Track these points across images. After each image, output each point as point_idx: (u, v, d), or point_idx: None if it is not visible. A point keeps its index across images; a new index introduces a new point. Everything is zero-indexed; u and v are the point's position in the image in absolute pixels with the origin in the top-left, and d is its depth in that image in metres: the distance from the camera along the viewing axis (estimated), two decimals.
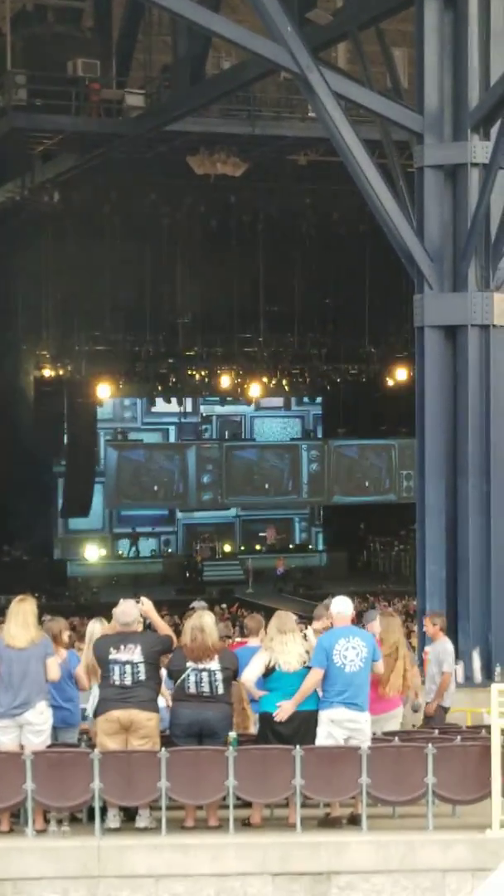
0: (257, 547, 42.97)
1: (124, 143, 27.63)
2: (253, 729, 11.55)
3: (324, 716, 10.85)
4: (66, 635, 11.62)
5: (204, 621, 10.96)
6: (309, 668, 10.83)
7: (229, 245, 37.28)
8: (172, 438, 42.73)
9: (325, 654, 10.76)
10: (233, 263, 37.46)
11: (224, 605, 32.17)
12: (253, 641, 12.01)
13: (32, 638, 10.66)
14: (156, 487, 40.90)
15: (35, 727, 10.64)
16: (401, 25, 23.51)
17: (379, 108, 16.91)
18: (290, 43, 16.30)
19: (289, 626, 10.96)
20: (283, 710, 10.77)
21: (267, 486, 42.19)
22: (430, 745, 10.73)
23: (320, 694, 10.90)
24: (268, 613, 12.37)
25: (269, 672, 10.88)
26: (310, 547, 44.50)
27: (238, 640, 13.88)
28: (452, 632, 16.08)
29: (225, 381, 40.36)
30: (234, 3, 26.29)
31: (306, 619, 12.74)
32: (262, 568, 41.10)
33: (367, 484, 42.78)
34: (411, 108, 16.55)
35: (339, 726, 10.79)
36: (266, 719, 10.93)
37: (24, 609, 10.77)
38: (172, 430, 43.06)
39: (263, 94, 27.44)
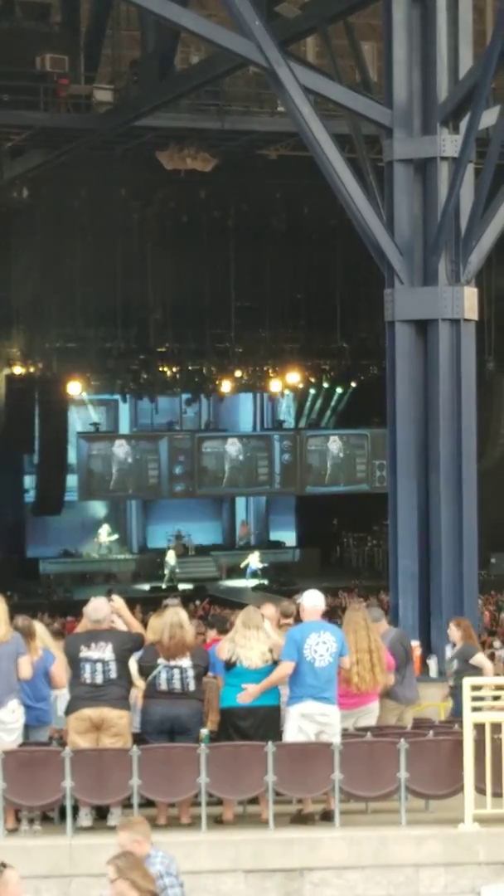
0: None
1: (93, 138, 27.52)
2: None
3: (293, 711, 10.81)
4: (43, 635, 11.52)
5: (182, 618, 10.91)
6: (273, 665, 10.79)
7: (200, 240, 37.19)
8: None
9: (296, 648, 10.73)
10: (203, 259, 37.38)
11: (198, 602, 32.14)
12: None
13: (2, 636, 10.58)
14: (128, 479, 40.78)
15: (6, 725, 10.57)
16: (370, 19, 23.54)
17: (348, 102, 16.92)
18: (258, 37, 16.29)
19: (254, 621, 10.92)
20: (248, 693, 10.71)
21: (239, 477, 42.13)
22: (402, 740, 10.71)
23: (284, 689, 10.87)
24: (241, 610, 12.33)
25: (231, 666, 10.84)
26: (282, 543, 44.50)
27: (214, 636, 13.80)
28: (425, 627, 16.13)
29: (196, 376, 40.27)
30: None
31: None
32: (236, 565, 41.08)
33: (339, 474, 42.77)
34: (380, 102, 16.57)
35: (309, 720, 10.76)
36: (227, 714, 10.89)
37: None
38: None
39: (233, 88, 27.37)
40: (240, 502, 45.21)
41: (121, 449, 40.80)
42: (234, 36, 16.75)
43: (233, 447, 42.22)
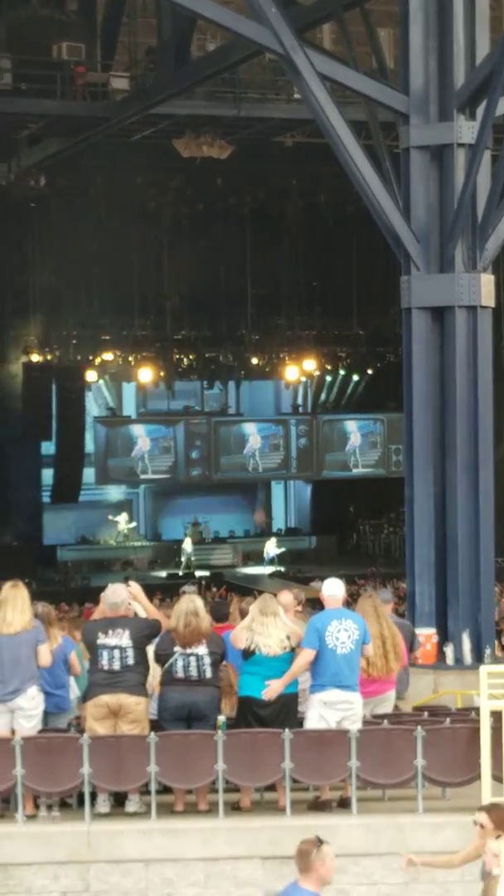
0: None
1: (110, 126, 27.51)
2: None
3: (315, 699, 10.82)
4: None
5: (197, 605, 10.94)
6: (290, 652, 10.81)
7: (216, 228, 37.20)
8: None
9: (317, 636, 10.74)
10: (220, 246, 37.39)
11: (214, 589, 32.18)
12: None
13: (24, 624, 10.64)
14: (144, 463, 40.84)
15: (26, 712, 10.63)
16: (386, 6, 23.47)
17: (364, 89, 16.86)
18: (274, 24, 16.24)
19: (271, 608, 10.92)
20: (272, 689, 10.74)
21: (255, 459, 42.15)
22: (419, 727, 10.73)
23: (302, 676, 10.88)
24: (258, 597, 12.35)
25: (250, 654, 10.86)
26: (299, 530, 44.53)
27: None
28: (441, 614, 16.13)
29: (213, 364, 40.27)
30: None
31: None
32: (253, 551, 41.11)
33: (355, 459, 42.78)
34: (397, 88, 16.51)
35: (331, 708, 10.77)
36: (246, 702, 10.91)
37: (16, 594, 10.75)
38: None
39: (249, 75, 27.32)
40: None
41: (137, 433, 40.87)
42: (251, 23, 16.72)
43: (249, 431, 42.24)
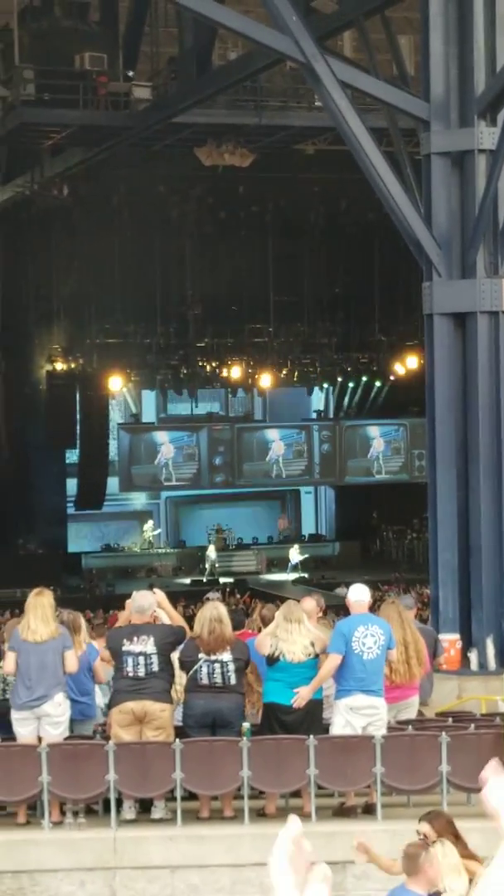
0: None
1: (132, 135, 27.61)
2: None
3: (341, 704, 10.85)
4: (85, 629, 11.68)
5: (221, 612, 10.97)
6: (315, 658, 10.84)
7: (238, 236, 37.27)
8: None
9: (343, 641, 10.76)
10: (242, 254, 37.46)
11: (238, 596, 32.23)
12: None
13: (51, 631, 10.69)
14: (167, 469, 40.94)
15: (53, 719, 10.68)
16: (406, 13, 23.50)
17: (385, 96, 16.90)
18: (295, 32, 16.30)
19: (296, 615, 10.95)
20: (301, 697, 10.77)
21: (278, 466, 42.20)
22: (443, 733, 10.74)
23: (328, 683, 10.91)
24: (282, 603, 12.37)
25: (274, 661, 10.89)
26: (322, 536, 44.53)
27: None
28: (465, 619, 16.12)
29: (235, 371, 40.36)
30: None
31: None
32: (276, 558, 41.13)
33: (379, 464, 42.78)
34: (417, 95, 16.53)
35: (357, 713, 10.79)
36: (271, 708, 10.94)
37: (41, 602, 10.81)
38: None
39: (270, 84, 27.38)
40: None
41: (160, 440, 40.98)
42: (272, 32, 16.78)
43: (272, 438, 42.30)
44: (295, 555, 40.44)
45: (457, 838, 7.88)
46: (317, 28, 17.52)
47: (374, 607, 13.18)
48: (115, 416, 41.71)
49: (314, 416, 43.99)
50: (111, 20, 27.88)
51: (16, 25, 26.72)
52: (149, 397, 42.02)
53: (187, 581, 38.53)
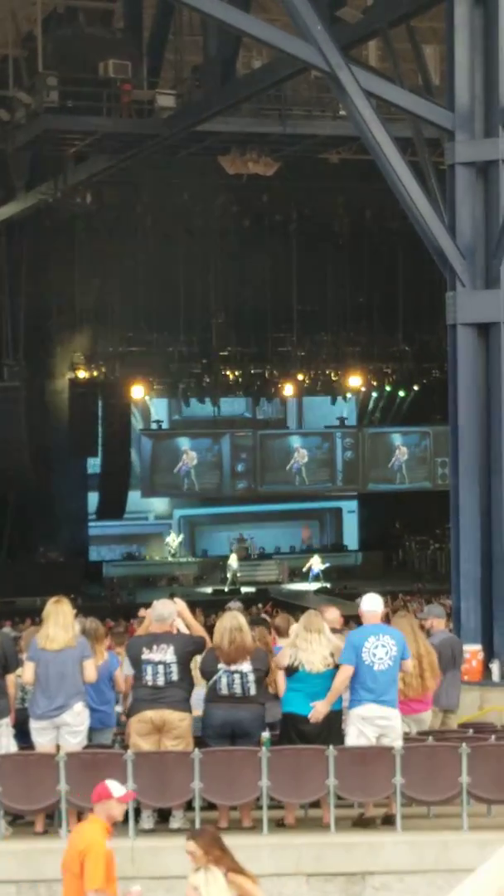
0: None
1: (156, 143, 27.63)
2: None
3: (354, 714, 10.81)
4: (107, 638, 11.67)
5: (241, 622, 10.94)
6: (335, 668, 10.79)
7: (262, 244, 37.28)
8: None
9: (354, 652, 10.73)
10: (265, 262, 37.46)
11: (260, 605, 32.14)
12: (281, 641, 11.98)
13: (69, 640, 10.67)
14: (189, 476, 40.93)
15: (72, 728, 10.66)
16: (431, 22, 23.46)
17: (409, 105, 16.87)
18: (320, 41, 16.29)
19: (315, 625, 10.91)
20: (318, 711, 10.73)
21: (301, 473, 42.15)
22: (463, 744, 10.67)
23: (345, 693, 10.86)
24: (303, 613, 12.31)
25: (293, 671, 10.85)
26: (345, 546, 44.45)
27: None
28: (487, 630, 16.04)
29: (259, 380, 40.34)
30: (265, 2, 26.28)
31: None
32: (298, 568, 41.07)
33: (401, 471, 42.69)
34: (442, 105, 16.49)
35: (370, 724, 10.75)
36: (290, 719, 10.90)
37: (61, 610, 10.78)
38: None
39: (294, 92, 27.37)
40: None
41: (182, 447, 40.97)
42: (296, 40, 16.77)
43: (295, 445, 42.25)
44: (316, 564, 40.36)
45: (223, 852, 7.77)
46: (341, 37, 17.51)
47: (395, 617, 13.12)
48: (138, 424, 41.74)
49: (337, 423, 43.95)
50: (136, 28, 27.90)
51: (40, 33, 26.79)
52: (160, 402, 42.01)
53: (209, 590, 38.50)
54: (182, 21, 27.49)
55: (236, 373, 40.12)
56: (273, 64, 23.08)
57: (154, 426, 41.75)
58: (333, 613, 12.41)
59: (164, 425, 42.21)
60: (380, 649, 10.76)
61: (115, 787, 8.27)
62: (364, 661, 10.71)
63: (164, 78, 27.81)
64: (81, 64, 26.51)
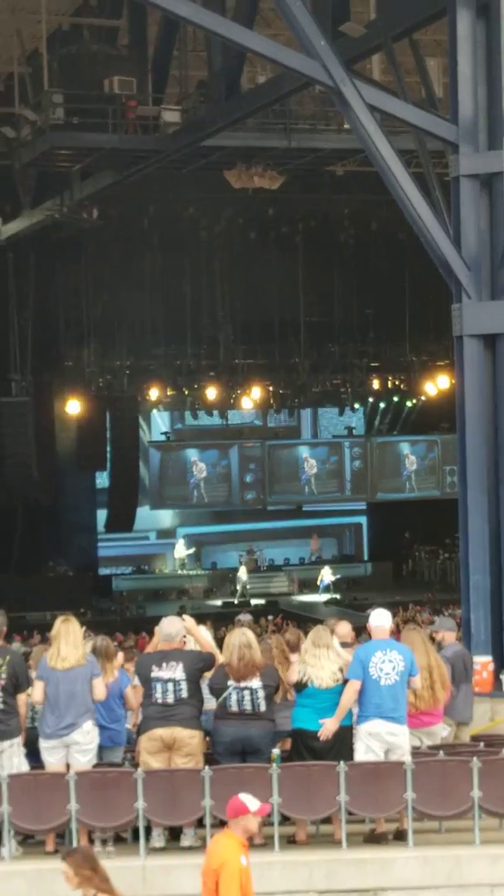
0: None
1: (162, 158, 27.68)
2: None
3: (362, 730, 10.80)
4: (120, 656, 11.67)
5: (250, 638, 10.94)
6: (344, 683, 10.78)
7: (268, 257, 37.34)
8: None
9: (361, 667, 10.72)
10: (272, 275, 37.51)
11: (270, 617, 32.14)
12: (292, 657, 11.97)
13: (79, 658, 10.68)
14: (198, 487, 40.94)
15: (81, 746, 10.66)
16: (435, 35, 23.48)
17: (413, 119, 16.89)
18: (323, 57, 16.32)
19: (324, 640, 10.91)
20: (328, 729, 10.73)
21: (310, 484, 42.15)
22: (475, 758, 10.66)
23: (355, 709, 10.86)
24: (314, 624, 12.32)
25: (302, 687, 10.85)
26: (354, 556, 44.42)
27: None
28: (497, 641, 16.02)
29: (267, 392, 40.36)
30: (269, 17, 26.29)
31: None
32: (308, 579, 41.05)
33: (410, 480, 42.68)
34: (446, 118, 16.51)
35: (377, 739, 10.74)
36: (299, 735, 10.89)
37: (71, 629, 10.80)
38: None
39: (299, 106, 27.39)
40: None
41: (191, 458, 40.99)
42: (300, 56, 16.80)
43: (304, 456, 42.26)
44: (327, 575, 40.33)
45: (94, 872, 7.73)
46: (345, 52, 17.53)
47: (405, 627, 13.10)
48: (146, 437, 41.78)
49: (345, 432, 43.97)
50: (140, 44, 27.93)
51: (45, 50, 26.84)
52: (166, 414, 42.01)
53: (219, 603, 38.49)
54: (186, 37, 27.53)
55: (244, 385, 40.13)
56: (277, 79, 23.12)
57: (162, 437, 41.77)
58: (345, 628, 12.41)
59: (171, 436, 42.25)
60: (386, 664, 10.76)
61: (251, 801, 8.31)
62: (371, 675, 10.71)
63: (169, 94, 27.84)
64: (87, 81, 26.53)
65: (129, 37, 28.13)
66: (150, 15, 26.52)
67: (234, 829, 8.28)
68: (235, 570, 40.62)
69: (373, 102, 16.47)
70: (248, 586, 39.57)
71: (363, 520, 45.20)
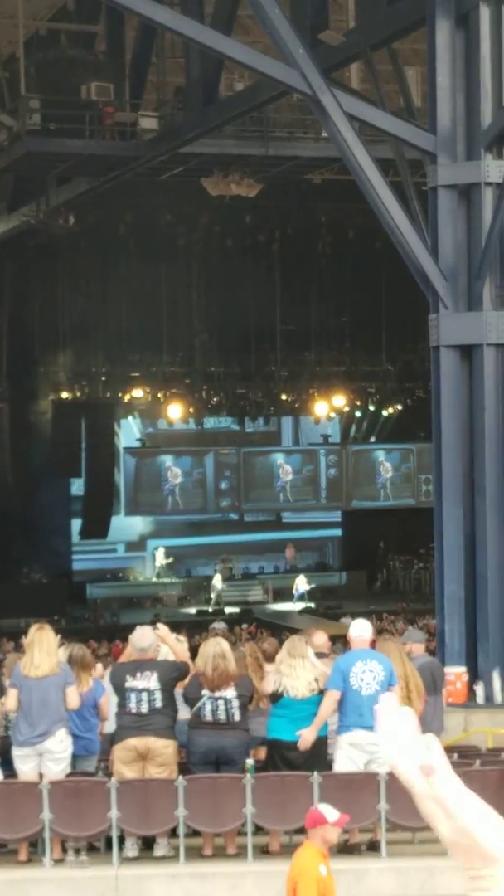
0: None
1: (139, 165, 27.65)
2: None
3: (342, 740, 10.77)
4: (99, 666, 11.61)
5: (224, 648, 10.91)
6: (319, 694, 10.75)
7: (245, 264, 37.36)
8: None
9: (341, 677, 10.69)
10: (248, 282, 37.53)
11: (244, 626, 32.08)
12: (268, 666, 11.93)
13: (53, 666, 10.63)
14: (173, 494, 40.86)
15: (54, 755, 10.60)
16: (414, 44, 23.54)
17: (392, 128, 16.91)
18: (301, 65, 16.32)
19: (299, 650, 10.88)
20: (305, 740, 10.69)
21: (285, 491, 42.12)
22: None
23: (331, 718, 10.83)
24: (288, 633, 12.29)
25: (278, 698, 10.81)
26: (329, 566, 44.42)
27: None
28: (472, 652, 16.03)
29: (242, 399, 40.34)
30: (247, 25, 26.31)
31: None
32: (283, 588, 41.00)
33: (385, 488, 42.71)
34: (424, 127, 16.54)
35: (359, 750, 10.71)
36: (274, 746, 10.85)
37: (45, 637, 10.75)
38: None
39: (277, 114, 27.43)
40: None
41: (166, 464, 40.90)
42: (278, 64, 16.80)
43: (279, 463, 42.24)
44: (301, 584, 40.29)
45: None
46: (324, 60, 17.55)
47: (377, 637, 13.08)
48: (120, 443, 41.71)
49: (320, 440, 43.99)
50: (118, 50, 27.92)
51: (22, 55, 26.78)
52: (138, 421, 41.92)
53: (193, 611, 38.40)
54: (164, 43, 27.52)
55: (220, 393, 40.13)
56: (255, 86, 23.13)
57: (136, 443, 41.70)
58: (321, 638, 12.37)
59: (145, 441, 42.13)
60: (367, 674, 10.75)
61: (329, 812, 8.33)
62: (352, 686, 10.69)
63: (146, 100, 27.82)
64: (64, 86, 26.49)
65: (106, 43, 28.11)
66: (128, 21, 26.51)
67: (313, 840, 8.38)
68: (210, 578, 40.55)
69: (351, 111, 16.49)
70: (222, 595, 39.51)
71: (339, 532, 45.16)
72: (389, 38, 18.92)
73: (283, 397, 40.83)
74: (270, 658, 12.05)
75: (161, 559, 41.77)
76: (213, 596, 39.45)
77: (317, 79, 16.31)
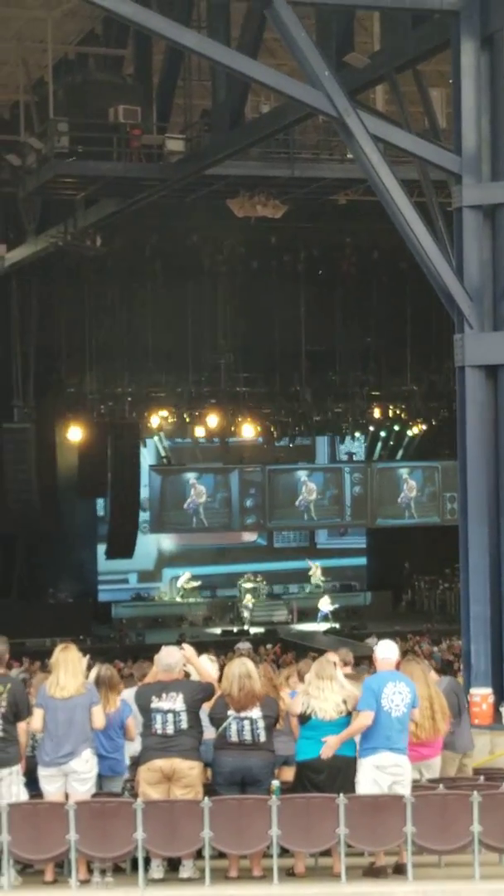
0: None
1: (165, 187, 27.77)
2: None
3: (367, 763, 10.73)
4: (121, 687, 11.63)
5: (250, 668, 10.90)
6: (347, 716, 10.73)
7: (270, 285, 37.44)
8: None
9: (374, 698, 10.67)
10: (274, 303, 37.62)
11: (269, 646, 32.07)
12: (298, 686, 11.93)
13: (78, 687, 10.65)
14: (198, 513, 40.89)
15: (80, 775, 10.61)
16: (438, 66, 23.59)
17: (417, 149, 16.96)
18: (327, 87, 16.38)
19: (328, 672, 10.86)
20: (329, 747, 10.66)
21: (309, 511, 42.10)
22: (475, 792, 10.60)
23: (357, 738, 10.81)
24: (313, 653, 12.28)
25: (306, 720, 10.80)
26: (353, 586, 44.36)
27: None
28: (498, 673, 15.98)
29: (267, 420, 40.38)
30: (273, 48, 26.40)
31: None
32: (307, 608, 40.96)
33: (410, 507, 42.64)
34: (449, 148, 16.58)
35: (384, 772, 10.68)
36: (302, 768, 10.83)
37: (71, 658, 10.75)
38: None
39: (302, 136, 27.50)
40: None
41: (191, 481, 40.95)
42: (304, 86, 16.87)
43: (303, 481, 42.22)
44: (325, 605, 40.24)
45: None
46: (349, 82, 17.62)
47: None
48: (146, 462, 41.82)
49: (345, 458, 43.97)
50: (145, 74, 28.05)
51: (51, 79, 26.95)
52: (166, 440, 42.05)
53: (218, 631, 38.41)
54: (191, 67, 27.64)
55: (245, 413, 40.16)
56: (281, 108, 23.22)
57: (161, 461, 41.76)
58: (348, 655, 12.42)
59: (169, 456, 42.16)
60: (396, 696, 10.73)
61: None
62: (383, 707, 10.67)
63: (173, 122, 27.93)
64: (91, 109, 26.64)
65: (134, 66, 28.26)
66: (156, 45, 26.63)
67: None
68: (235, 598, 40.54)
69: (376, 133, 16.54)
70: (247, 615, 39.50)
71: (364, 560, 45.00)
72: (414, 60, 18.98)
73: (308, 417, 40.77)
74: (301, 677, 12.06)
75: (184, 582, 41.74)
76: (246, 615, 39.43)
77: (342, 101, 16.38)
